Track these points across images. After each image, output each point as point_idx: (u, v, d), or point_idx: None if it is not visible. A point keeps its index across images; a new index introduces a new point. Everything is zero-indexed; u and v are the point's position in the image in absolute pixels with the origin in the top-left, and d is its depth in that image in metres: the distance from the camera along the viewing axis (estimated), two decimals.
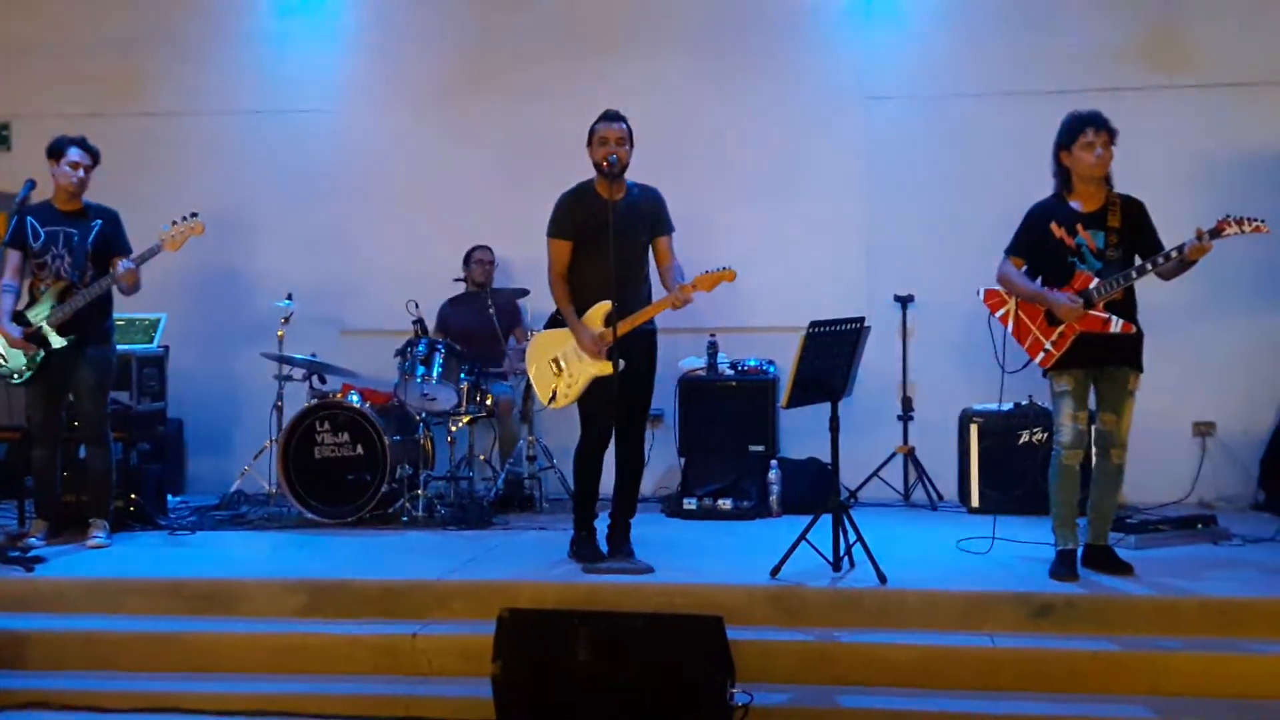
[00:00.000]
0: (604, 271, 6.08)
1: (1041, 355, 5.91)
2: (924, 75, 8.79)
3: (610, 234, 6.01)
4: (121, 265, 6.78)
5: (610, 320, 6.07)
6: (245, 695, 5.29)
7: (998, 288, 6.12)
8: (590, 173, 6.30)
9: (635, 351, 6.19)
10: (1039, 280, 5.98)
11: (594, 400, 6.23)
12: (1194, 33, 8.50)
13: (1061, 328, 5.85)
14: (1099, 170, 5.88)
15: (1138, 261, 5.82)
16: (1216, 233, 5.57)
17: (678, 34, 9.02)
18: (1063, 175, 5.98)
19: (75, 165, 6.93)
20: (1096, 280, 5.78)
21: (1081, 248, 5.86)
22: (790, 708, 5.04)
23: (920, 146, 8.75)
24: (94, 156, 7.00)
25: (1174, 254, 5.67)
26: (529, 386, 6.66)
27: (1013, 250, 6.05)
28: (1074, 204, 5.94)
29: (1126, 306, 5.87)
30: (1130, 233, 5.87)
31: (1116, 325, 5.79)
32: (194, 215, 6.89)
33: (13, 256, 6.96)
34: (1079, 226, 5.88)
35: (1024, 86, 8.50)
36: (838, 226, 8.79)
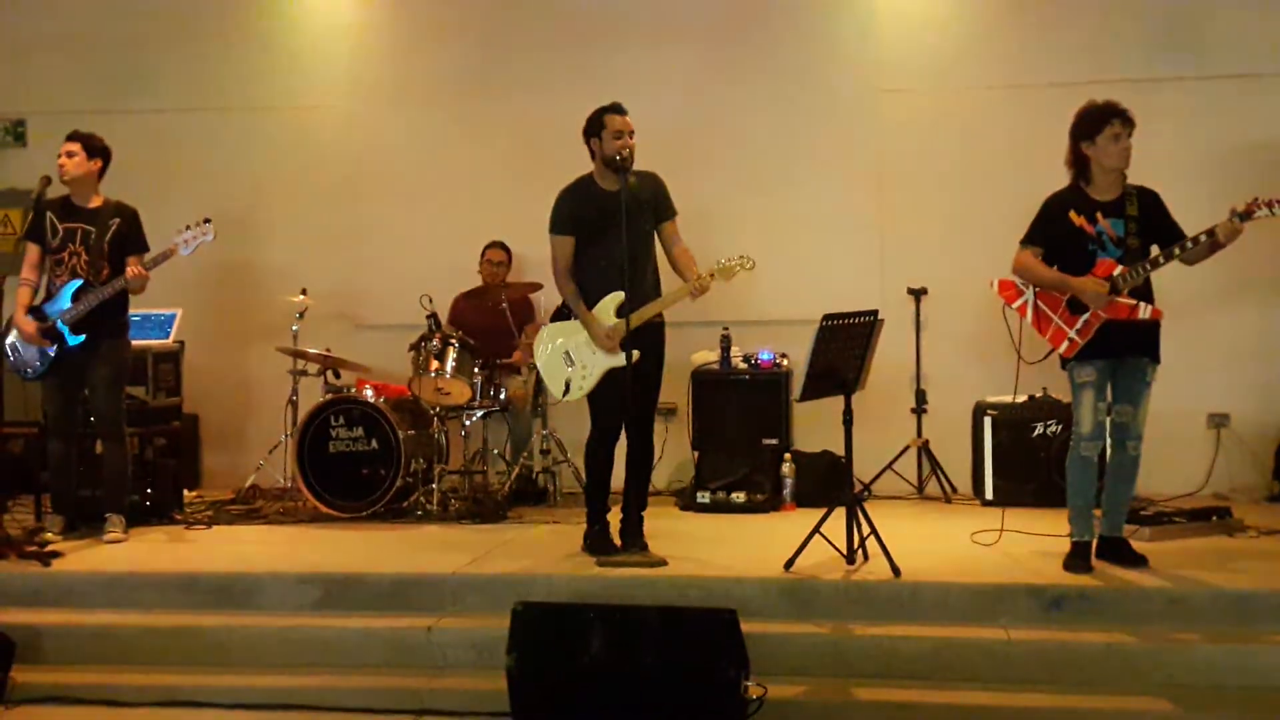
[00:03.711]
0: (612, 264, 6.10)
1: (1065, 344, 5.85)
2: (936, 67, 8.78)
3: (622, 224, 6.02)
4: (130, 270, 6.80)
5: (623, 311, 6.08)
6: (260, 689, 5.32)
7: (1012, 279, 6.07)
8: (588, 166, 6.31)
9: (647, 343, 6.19)
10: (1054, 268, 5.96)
11: (604, 393, 6.24)
12: (1205, 23, 8.46)
13: (1086, 315, 5.81)
14: (1125, 162, 5.85)
15: (1154, 250, 5.80)
16: (1247, 214, 5.56)
17: (689, 27, 9.02)
18: (1081, 165, 5.93)
19: (60, 154, 6.97)
20: (1121, 268, 5.75)
21: (1102, 235, 5.83)
22: (804, 700, 5.05)
23: (933, 139, 8.74)
24: (86, 146, 6.99)
25: (1203, 238, 5.64)
26: (540, 380, 6.64)
27: (1030, 240, 5.99)
28: (1092, 194, 5.91)
29: (1143, 296, 5.84)
30: (1148, 222, 5.84)
31: (1145, 311, 5.75)
32: (207, 221, 6.89)
33: (31, 251, 7.01)
34: (1098, 215, 5.85)
35: (1036, 78, 8.50)
36: (850, 219, 8.78)
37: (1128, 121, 5.82)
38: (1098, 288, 5.75)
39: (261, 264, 9.33)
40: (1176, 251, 5.72)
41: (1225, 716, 4.90)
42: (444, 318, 8.35)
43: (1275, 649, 5.21)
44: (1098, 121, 5.84)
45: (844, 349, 6.00)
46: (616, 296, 6.16)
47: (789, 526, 6.65)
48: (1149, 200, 5.90)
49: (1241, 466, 8.35)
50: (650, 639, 4.82)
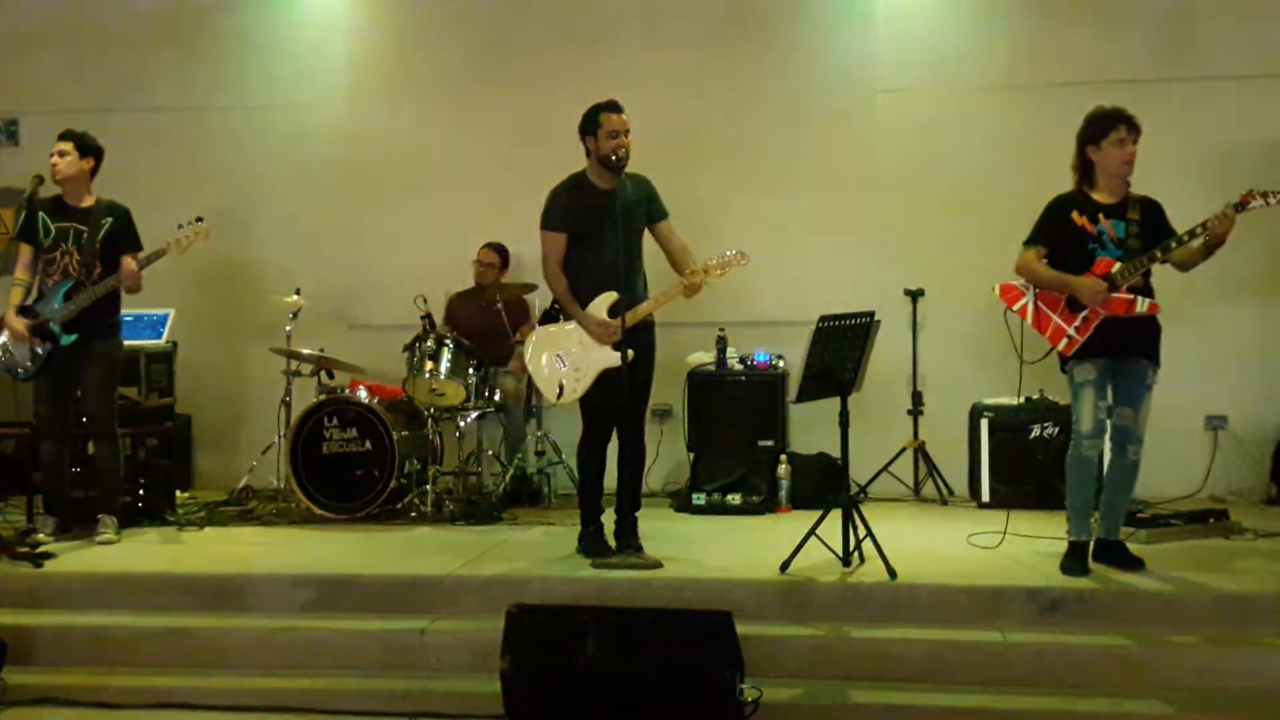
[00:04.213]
0: (605, 263, 6.08)
1: (1065, 342, 5.86)
2: (934, 68, 8.77)
3: (617, 224, 6.01)
4: (124, 268, 6.78)
5: (616, 311, 6.06)
6: (253, 690, 5.30)
7: (1013, 282, 6.06)
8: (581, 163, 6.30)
9: (638, 343, 6.17)
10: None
11: (596, 394, 6.21)
12: (1207, 25, 8.46)
13: (1085, 312, 5.81)
14: (1128, 168, 5.88)
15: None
16: (1241, 205, 5.57)
17: (687, 27, 9.01)
18: (1085, 169, 5.96)
19: (53, 154, 6.94)
20: (1119, 264, 5.76)
21: (1103, 235, 5.84)
22: (800, 703, 5.03)
23: (931, 140, 8.72)
24: (79, 145, 6.95)
25: (1199, 230, 5.65)
26: (533, 382, 6.62)
27: (1033, 240, 6.00)
28: (1095, 197, 5.92)
29: (1145, 296, 5.84)
30: (1149, 227, 5.85)
31: (1143, 305, 5.77)
32: (199, 220, 6.88)
33: (23, 251, 6.99)
34: (1100, 215, 5.87)
35: (1034, 79, 8.50)
36: (848, 220, 8.76)
37: (1133, 127, 5.85)
38: (1095, 285, 5.75)
39: (255, 264, 9.29)
40: (1173, 245, 5.72)
41: (1223, 719, 4.88)
42: (438, 318, 8.32)
43: (1273, 651, 5.21)
44: (1103, 126, 5.87)
45: (841, 350, 5.99)
46: (609, 296, 6.14)
47: (785, 528, 6.62)
48: (1151, 208, 5.93)
49: (1239, 469, 8.35)
50: (646, 641, 4.80)
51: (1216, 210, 5.61)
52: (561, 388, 6.26)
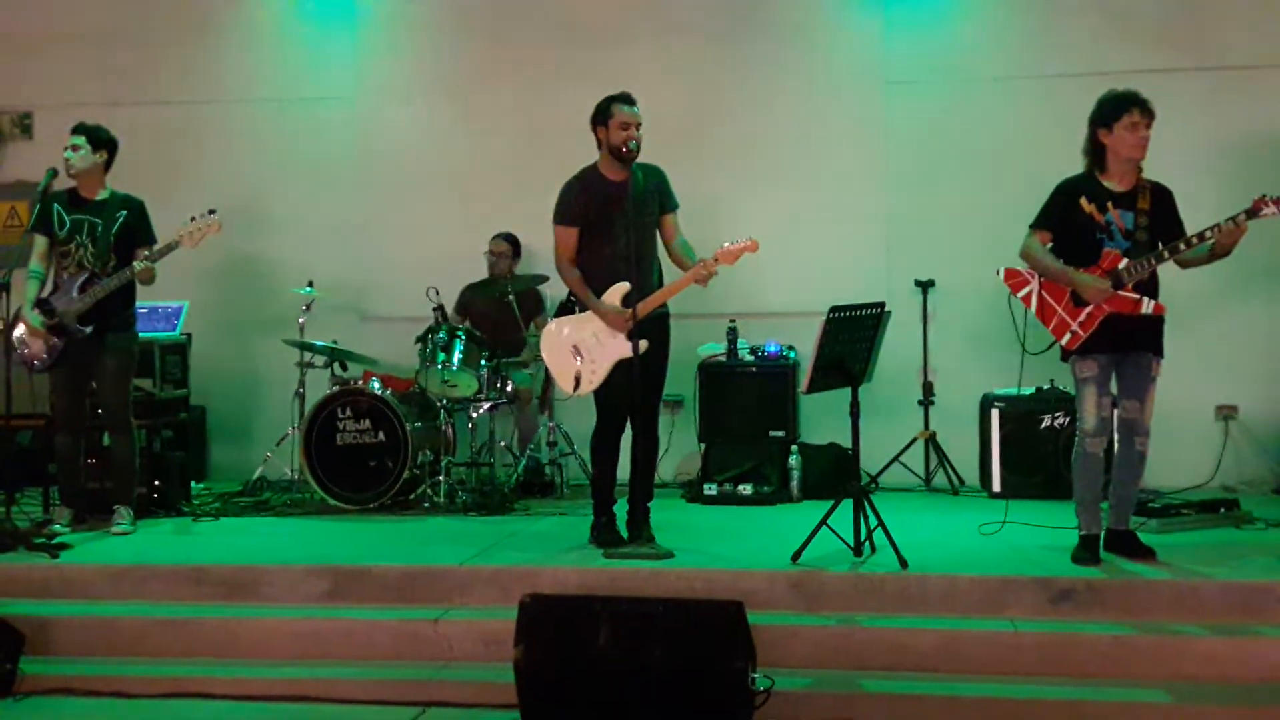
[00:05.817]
0: (617, 254, 6.09)
1: (1068, 336, 5.83)
2: (944, 59, 8.76)
3: (629, 215, 6.02)
4: (137, 264, 6.81)
5: (629, 301, 6.07)
6: (268, 681, 5.31)
7: (1018, 266, 6.04)
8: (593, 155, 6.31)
9: (652, 334, 6.17)
10: (1063, 260, 5.91)
11: (610, 385, 6.23)
12: (1216, 14, 8.44)
13: (1089, 308, 5.78)
14: (1140, 152, 5.80)
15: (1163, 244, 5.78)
16: (1253, 213, 5.51)
17: (696, 18, 9.01)
18: (1097, 153, 5.90)
19: (66, 147, 6.96)
20: (1126, 260, 5.73)
21: (1110, 225, 5.79)
22: (811, 692, 5.04)
23: (941, 130, 8.72)
24: (92, 138, 6.97)
25: (1208, 234, 5.59)
26: (549, 374, 6.63)
27: (1039, 224, 5.95)
28: (1105, 183, 5.88)
29: (1149, 290, 5.80)
30: (1158, 218, 5.81)
31: (1148, 306, 5.73)
32: (212, 212, 6.88)
33: (39, 243, 7.01)
34: (1109, 204, 5.82)
35: (1044, 70, 8.49)
36: (858, 211, 8.76)
37: (1146, 111, 5.79)
38: (1099, 284, 5.72)
39: (269, 256, 9.31)
40: (1181, 246, 5.67)
41: (1232, 709, 4.88)
42: (450, 309, 8.34)
43: None
44: (1116, 109, 5.80)
45: (851, 341, 5.99)
46: (621, 287, 6.15)
47: (796, 519, 6.64)
48: (1162, 196, 5.87)
49: (1250, 458, 8.34)
50: (657, 631, 4.80)
51: (1223, 201, 5.60)
52: (578, 379, 6.28)
